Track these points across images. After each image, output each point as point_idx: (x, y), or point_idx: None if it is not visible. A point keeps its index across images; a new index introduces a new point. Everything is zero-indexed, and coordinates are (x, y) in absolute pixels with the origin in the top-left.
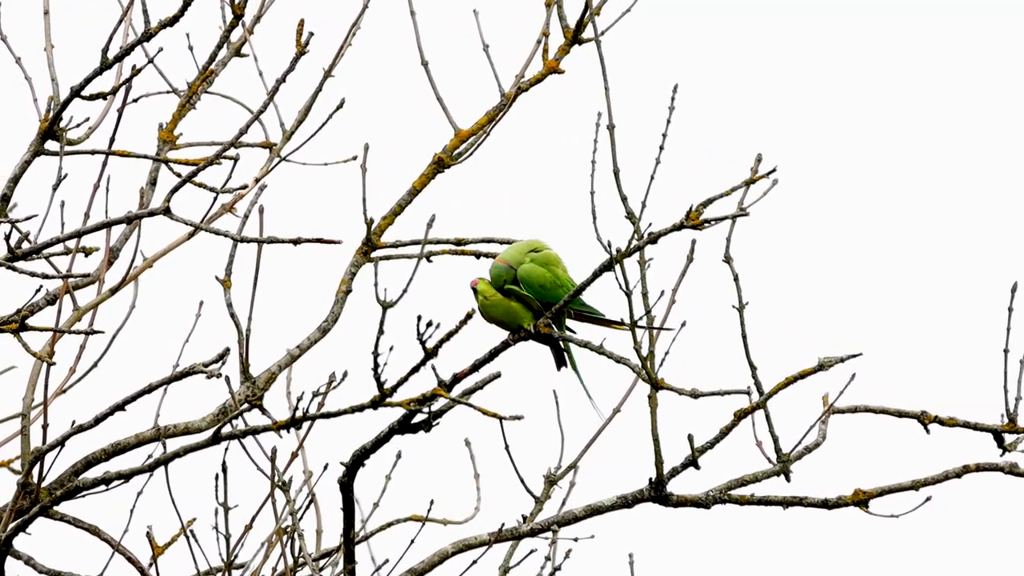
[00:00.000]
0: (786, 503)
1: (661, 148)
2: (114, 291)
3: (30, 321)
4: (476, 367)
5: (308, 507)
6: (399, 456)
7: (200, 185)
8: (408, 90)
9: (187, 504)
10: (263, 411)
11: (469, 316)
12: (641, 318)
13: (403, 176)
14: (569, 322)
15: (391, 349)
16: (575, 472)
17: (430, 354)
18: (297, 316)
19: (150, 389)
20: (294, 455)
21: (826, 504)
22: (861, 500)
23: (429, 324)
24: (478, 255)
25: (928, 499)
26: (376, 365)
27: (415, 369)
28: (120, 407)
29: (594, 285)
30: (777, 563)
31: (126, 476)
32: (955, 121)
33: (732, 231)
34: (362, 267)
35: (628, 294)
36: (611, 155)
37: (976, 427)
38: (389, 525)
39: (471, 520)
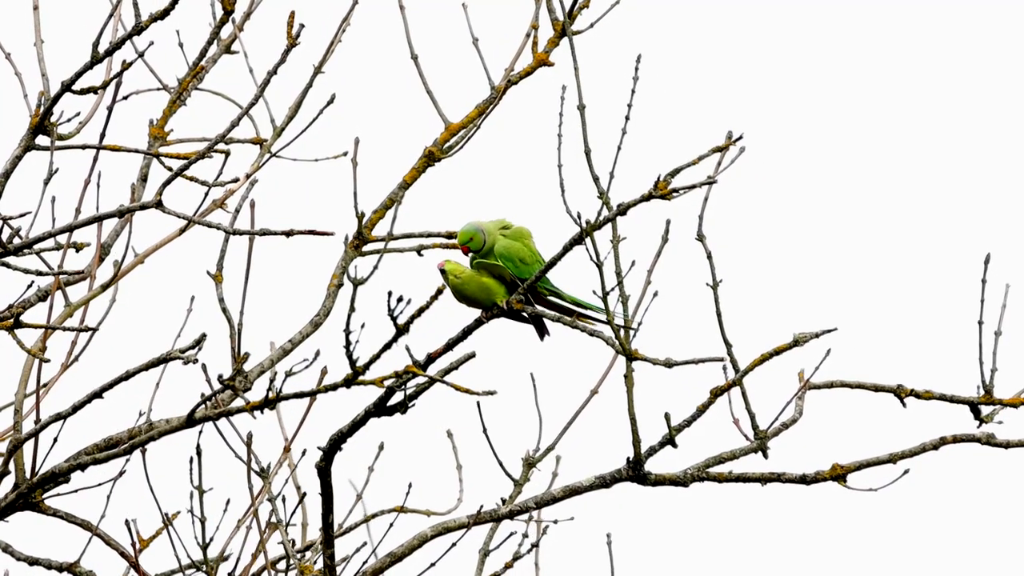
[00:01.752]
0: (764, 479)
1: (627, 119)
2: (105, 287)
3: (23, 317)
4: (450, 346)
5: (285, 487)
6: (381, 448)
7: (191, 179)
8: (398, 84)
9: (168, 489)
10: (235, 391)
11: (440, 291)
12: (613, 289)
13: (394, 170)
14: (541, 309)
15: (363, 326)
16: (557, 463)
17: (401, 330)
18: (289, 310)
19: (128, 376)
20: (286, 449)
21: (804, 480)
22: (839, 475)
23: (400, 300)
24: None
25: (906, 472)
26: (348, 343)
27: (387, 346)
28: (98, 394)
29: (567, 264)
30: (757, 539)
31: (102, 460)
32: (928, 93)
33: (704, 208)
34: (353, 261)
35: (599, 265)
36: (582, 136)
37: (952, 399)
38: (372, 517)
39: (453, 511)
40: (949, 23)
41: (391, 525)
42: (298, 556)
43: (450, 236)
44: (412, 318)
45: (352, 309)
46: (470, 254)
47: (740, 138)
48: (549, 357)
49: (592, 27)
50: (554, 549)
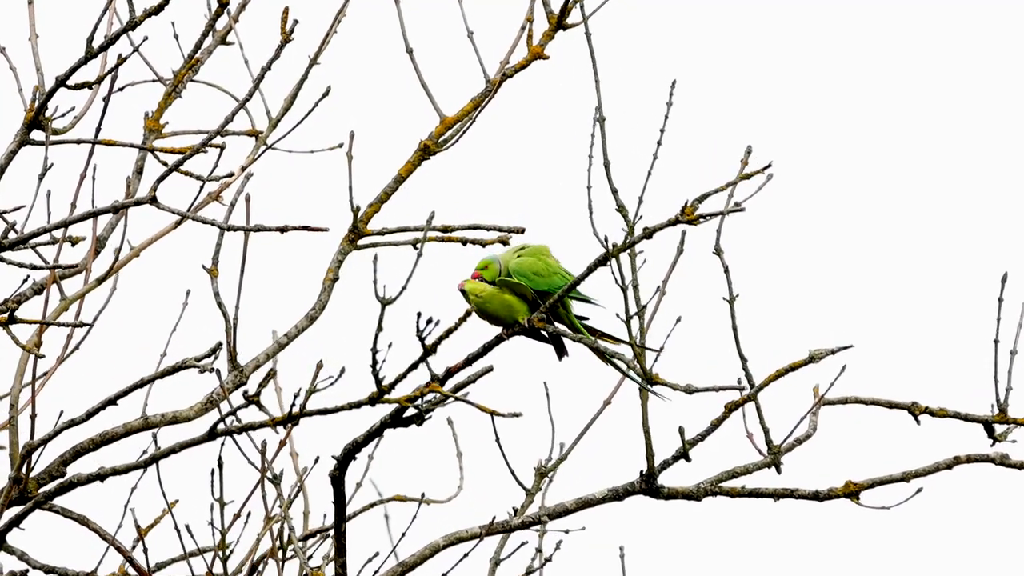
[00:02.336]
0: (777, 495)
1: (659, 144)
2: (101, 281)
3: (18, 312)
4: (469, 361)
5: (296, 495)
6: (380, 435)
7: (186, 173)
8: (393, 77)
9: (179, 496)
10: (260, 407)
11: (468, 313)
12: (635, 315)
13: (389, 163)
14: (562, 328)
15: (390, 347)
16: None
17: (429, 351)
18: (284, 304)
19: (142, 383)
20: (281, 443)
21: (817, 496)
22: (852, 492)
23: (429, 321)
24: (465, 242)
25: (919, 490)
26: (375, 362)
27: (414, 366)
28: (112, 401)
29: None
30: (768, 555)
31: (121, 471)
32: (946, 113)
33: (722, 223)
34: (349, 255)
35: (624, 289)
36: (602, 148)
37: (967, 418)
38: (372, 506)
39: (453, 499)
40: (976, 42)
41: (403, 534)
42: (309, 560)
43: (445, 230)
44: (440, 339)
45: (380, 328)
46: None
47: (769, 166)
48: (564, 367)
49: (587, 19)
50: (566, 561)
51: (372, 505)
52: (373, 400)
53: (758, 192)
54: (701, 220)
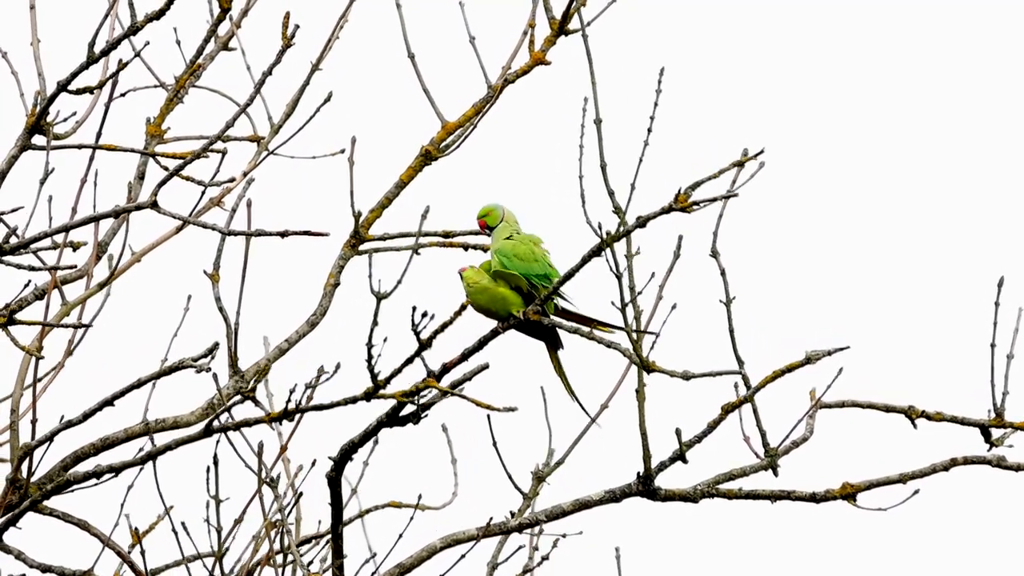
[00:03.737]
0: (774, 497)
1: (649, 131)
2: (102, 285)
3: (19, 315)
4: (465, 356)
5: (295, 503)
6: (376, 442)
7: (188, 179)
8: (395, 83)
9: (176, 497)
10: (256, 403)
11: (464, 307)
12: (629, 303)
13: (391, 169)
14: (558, 320)
15: (385, 341)
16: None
17: (424, 345)
18: (286, 310)
19: (139, 384)
20: (283, 448)
21: (814, 498)
22: (849, 494)
23: (424, 315)
24: (466, 247)
25: (916, 492)
26: (370, 357)
27: (409, 360)
28: (109, 402)
29: (580, 275)
30: (765, 557)
31: (117, 469)
32: (944, 112)
33: (719, 225)
34: (350, 260)
35: (619, 276)
36: (598, 150)
37: (963, 422)
38: (367, 512)
39: (449, 505)
40: (974, 41)
41: (400, 536)
42: (306, 563)
43: (447, 235)
44: (435, 334)
45: (375, 323)
46: (485, 230)
47: (760, 152)
48: (567, 375)
49: (589, 25)
50: (563, 563)
51: (368, 511)
52: (369, 395)
53: (752, 179)
54: (695, 207)
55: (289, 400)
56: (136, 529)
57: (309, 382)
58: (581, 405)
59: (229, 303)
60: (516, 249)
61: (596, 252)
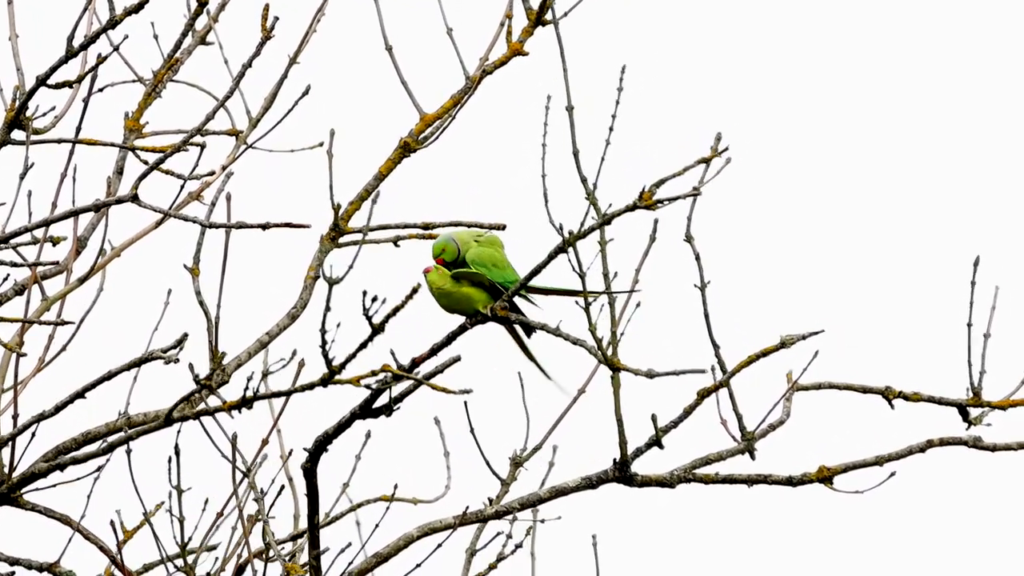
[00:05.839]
0: (751, 481)
1: (611, 129)
2: (82, 280)
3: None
4: (434, 351)
5: (279, 494)
6: (368, 436)
7: (167, 172)
8: (373, 75)
9: (151, 489)
10: (212, 392)
11: (415, 290)
12: (594, 300)
13: (370, 161)
14: (534, 296)
15: (338, 326)
16: (554, 452)
17: (377, 329)
18: (266, 303)
19: (110, 376)
20: (264, 442)
21: (791, 481)
22: (826, 477)
23: (375, 299)
24: None
25: (892, 474)
26: (324, 342)
27: (363, 345)
28: (80, 394)
29: (553, 269)
30: (743, 541)
31: (81, 460)
32: (916, 93)
33: (693, 210)
34: (330, 253)
35: (582, 276)
36: (571, 137)
37: (941, 401)
38: (358, 506)
39: (441, 499)
40: (933, 22)
41: (377, 525)
42: (282, 551)
43: (426, 227)
44: (387, 317)
45: (327, 308)
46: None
47: (726, 149)
48: (537, 358)
49: (566, 16)
50: (540, 550)
51: (358, 506)
52: (325, 381)
53: (717, 176)
54: (659, 205)
55: (247, 388)
56: (116, 523)
57: (265, 369)
58: (550, 378)
59: (209, 297)
60: (493, 258)
61: (560, 250)
